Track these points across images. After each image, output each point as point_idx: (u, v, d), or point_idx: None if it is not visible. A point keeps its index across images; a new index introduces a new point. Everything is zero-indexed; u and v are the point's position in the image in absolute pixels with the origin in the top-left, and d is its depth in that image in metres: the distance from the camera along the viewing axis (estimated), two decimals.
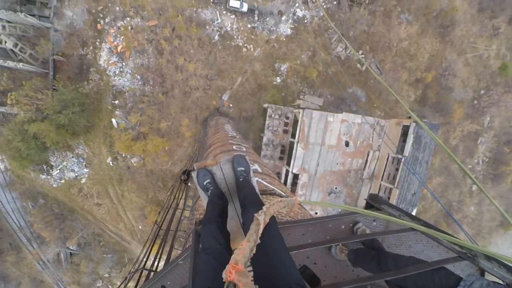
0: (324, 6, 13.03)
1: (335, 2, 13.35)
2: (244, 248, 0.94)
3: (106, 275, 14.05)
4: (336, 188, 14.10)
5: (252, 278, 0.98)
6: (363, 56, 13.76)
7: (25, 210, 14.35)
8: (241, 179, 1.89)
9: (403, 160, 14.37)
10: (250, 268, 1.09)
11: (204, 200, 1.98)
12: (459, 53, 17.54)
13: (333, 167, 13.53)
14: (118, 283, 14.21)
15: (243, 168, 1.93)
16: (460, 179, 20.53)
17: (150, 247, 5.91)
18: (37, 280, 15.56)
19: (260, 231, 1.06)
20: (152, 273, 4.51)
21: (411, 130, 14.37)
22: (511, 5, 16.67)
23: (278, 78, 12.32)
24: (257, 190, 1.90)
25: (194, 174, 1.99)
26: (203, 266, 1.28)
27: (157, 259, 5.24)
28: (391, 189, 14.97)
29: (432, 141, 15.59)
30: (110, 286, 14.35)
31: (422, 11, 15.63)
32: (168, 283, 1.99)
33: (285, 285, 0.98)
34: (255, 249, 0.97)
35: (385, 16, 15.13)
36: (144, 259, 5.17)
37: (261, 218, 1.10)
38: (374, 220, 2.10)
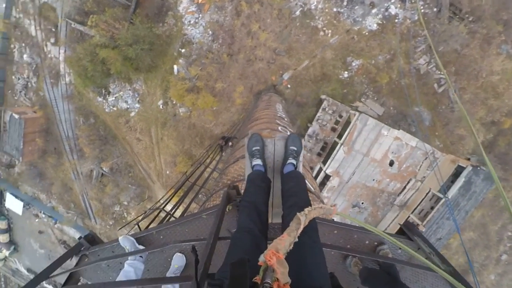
0: (422, 11, 11.73)
1: (435, 9, 11.94)
2: (285, 240, 0.95)
3: (125, 203, 15.33)
4: (362, 203, 13.50)
5: None
6: (444, 77, 12.38)
7: (75, 124, 15.85)
8: (289, 161, 1.83)
9: (443, 200, 13.24)
10: None
11: (247, 166, 1.95)
12: None
13: (368, 181, 12.86)
14: (133, 213, 15.47)
15: (295, 148, 1.87)
16: (493, 243, 18.58)
17: (174, 193, 6.13)
18: (67, 187, 17.50)
19: (300, 231, 1.07)
20: (169, 217, 4.69)
21: (464, 173, 13.07)
22: None
23: (346, 72, 11.59)
24: (306, 185, 1.83)
25: (247, 137, 1.96)
26: (239, 242, 1.28)
27: (177, 207, 5.42)
28: (417, 225, 14.00)
29: (482, 192, 14.10)
30: (125, 213, 15.68)
31: None
32: (186, 230, 2.01)
33: (313, 286, 0.98)
34: (292, 246, 0.98)
35: (484, 41, 13.27)
36: (164, 203, 5.37)
37: (303, 219, 1.11)
38: (400, 248, 2.05)
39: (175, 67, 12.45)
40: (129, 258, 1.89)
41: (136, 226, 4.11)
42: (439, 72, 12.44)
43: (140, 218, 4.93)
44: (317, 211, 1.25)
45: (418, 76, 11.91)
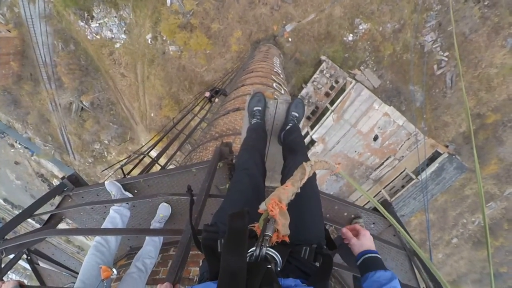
0: None
1: None
2: (288, 190, 0.92)
3: (106, 141, 14.89)
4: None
5: None
6: (445, 59, 12.17)
7: (54, 49, 14.42)
8: (290, 124, 1.82)
9: (414, 181, 14.02)
10: None
11: (245, 124, 1.91)
12: None
13: (350, 152, 13.19)
14: (113, 153, 15.20)
15: (297, 115, 1.84)
16: (448, 227, 20.59)
17: (160, 139, 5.88)
18: (44, 118, 16.59)
19: (303, 181, 1.03)
20: (154, 163, 4.58)
21: (439, 159, 13.68)
22: None
23: (351, 35, 11.02)
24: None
25: (249, 95, 1.90)
26: (239, 185, 1.27)
27: (161, 154, 5.23)
28: (386, 200, 14.97)
29: (450, 180, 15.02)
30: (106, 152, 15.36)
31: None
32: (174, 182, 2.01)
33: (311, 240, 0.99)
34: (293, 196, 0.95)
35: (493, 30, 12.94)
36: (149, 148, 5.16)
37: (308, 169, 1.05)
38: (373, 223, 2.22)
39: None
40: (115, 204, 1.84)
41: (120, 169, 3.99)
42: (442, 54, 12.17)
43: (124, 161, 4.79)
44: (322, 164, 1.18)
45: (421, 54, 11.61)
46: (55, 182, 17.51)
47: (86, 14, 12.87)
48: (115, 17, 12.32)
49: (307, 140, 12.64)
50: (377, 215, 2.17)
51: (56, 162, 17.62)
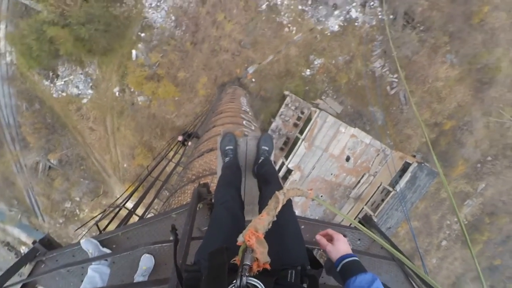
0: (381, 17, 12.54)
1: (391, 17, 12.86)
2: (264, 219, 0.94)
3: (77, 198, 14.10)
4: (321, 196, 14.22)
5: None
6: (396, 80, 13.48)
7: (18, 109, 14.05)
8: (262, 158, 1.91)
9: (392, 193, 14.52)
10: None
11: (219, 164, 1.99)
12: (484, 113, 17.38)
13: (326, 175, 13.57)
14: (86, 210, 14.35)
15: (267, 148, 1.93)
16: (434, 231, 21.04)
17: (135, 189, 5.83)
18: (9, 181, 15.53)
19: (278, 210, 1.06)
20: (131, 215, 4.45)
21: (410, 169, 14.44)
22: None
23: (308, 70, 11.98)
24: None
25: (219, 136, 2.01)
26: (218, 221, 1.27)
27: (138, 204, 5.18)
28: (370, 216, 15.22)
29: (425, 186, 15.72)
30: (78, 210, 14.45)
31: (469, 59, 15.24)
32: (155, 230, 2.00)
33: (295, 262, 0.97)
34: (270, 225, 0.97)
35: (432, 50, 14.72)
36: (125, 200, 5.09)
37: (281, 198, 1.09)
38: (359, 239, 2.24)
39: (134, 52, 11.64)
40: (93, 262, 1.75)
41: (95, 226, 3.79)
42: (391, 76, 13.51)
43: (98, 217, 4.56)
44: (295, 191, 1.23)
45: (373, 78, 12.80)
46: (23, 249, 15.93)
47: (51, 73, 12.91)
48: (81, 74, 12.49)
49: (283, 170, 12.90)
50: (361, 232, 2.16)
51: (24, 227, 16.19)
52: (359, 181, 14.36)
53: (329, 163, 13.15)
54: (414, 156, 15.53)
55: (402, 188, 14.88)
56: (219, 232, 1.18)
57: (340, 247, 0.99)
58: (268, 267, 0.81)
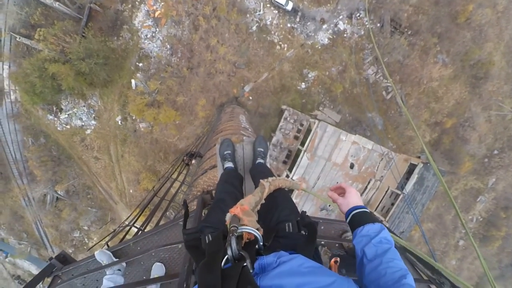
0: (367, 26, 12.90)
1: (378, 25, 13.21)
2: (248, 197, 0.98)
3: (86, 227, 14.13)
4: (329, 205, 14.05)
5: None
6: (390, 85, 13.63)
7: (24, 145, 14.43)
8: (259, 159, 1.99)
9: (401, 196, 14.28)
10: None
11: (219, 169, 2.11)
12: (484, 108, 17.34)
13: (332, 184, 13.44)
14: (95, 239, 14.32)
15: (262, 150, 2.04)
16: (450, 231, 20.42)
17: (142, 210, 5.93)
18: (18, 215, 15.69)
19: (265, 194, 1.09)
20: (141, 232, 4.55)
21: (416, 170, 14.26)
22: None
23: (303, 84, 12.23)
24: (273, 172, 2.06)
25: (218, 143, 2.11)
26: (221, 203, 1.36)
27: (147, 223, 5.26)
28: (381, 221, 14.91)
29: (434, 186, 15.45)
30: (86, 239, 14.43)
31: (460, 56, 15.43)
32: (164, 238, 2.06)
33: (289, 215, 1.07)
34: (259, 206, 1.00)
35: (423, 52, 14.95)
36: (132, 221, 5.19)
37: (266, 185, 1.14)
38: None
39: (133, 81, 12.07)
40: (108, 273, 1.82)
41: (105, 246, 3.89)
42: (386, 81, 13.69)
43: (108, 237, 4.67)
44: (281, 181, 1.28)
45: (368, 85, 12.98)
46: None
47: (54, 108, 13.36)
48: (84, 106, 12.90)
49: None
50: None
51: (33, 260, 16.16)
52: (366, 187, 14.19)
53: (333, 172, 13.08)
54: (419, 157, 15.40)
55: (411, 190, 14.64)
56: (220, 213, 1.25)
57: (351, 199, 0.99)
58: (261, 232, 0.83)
